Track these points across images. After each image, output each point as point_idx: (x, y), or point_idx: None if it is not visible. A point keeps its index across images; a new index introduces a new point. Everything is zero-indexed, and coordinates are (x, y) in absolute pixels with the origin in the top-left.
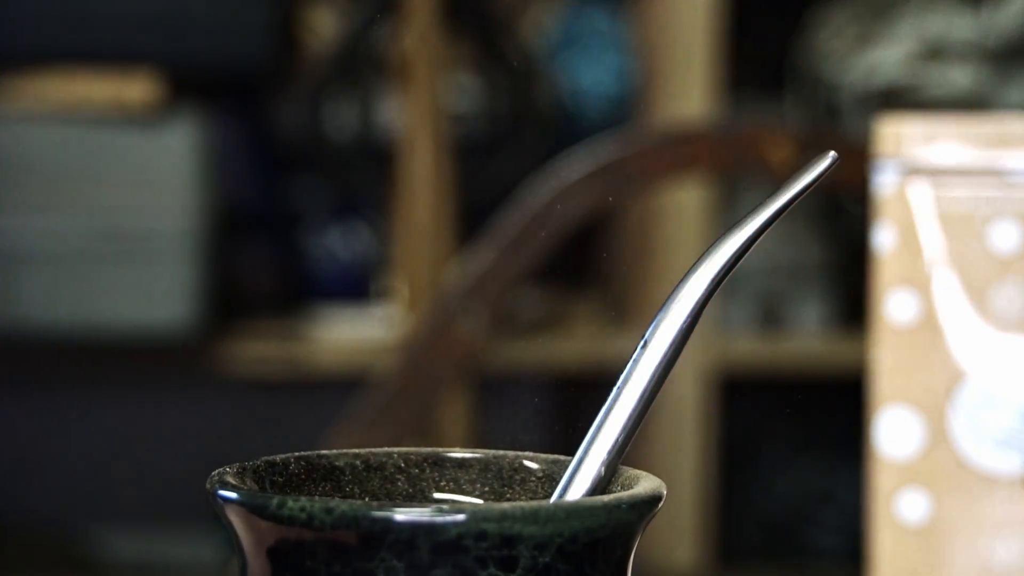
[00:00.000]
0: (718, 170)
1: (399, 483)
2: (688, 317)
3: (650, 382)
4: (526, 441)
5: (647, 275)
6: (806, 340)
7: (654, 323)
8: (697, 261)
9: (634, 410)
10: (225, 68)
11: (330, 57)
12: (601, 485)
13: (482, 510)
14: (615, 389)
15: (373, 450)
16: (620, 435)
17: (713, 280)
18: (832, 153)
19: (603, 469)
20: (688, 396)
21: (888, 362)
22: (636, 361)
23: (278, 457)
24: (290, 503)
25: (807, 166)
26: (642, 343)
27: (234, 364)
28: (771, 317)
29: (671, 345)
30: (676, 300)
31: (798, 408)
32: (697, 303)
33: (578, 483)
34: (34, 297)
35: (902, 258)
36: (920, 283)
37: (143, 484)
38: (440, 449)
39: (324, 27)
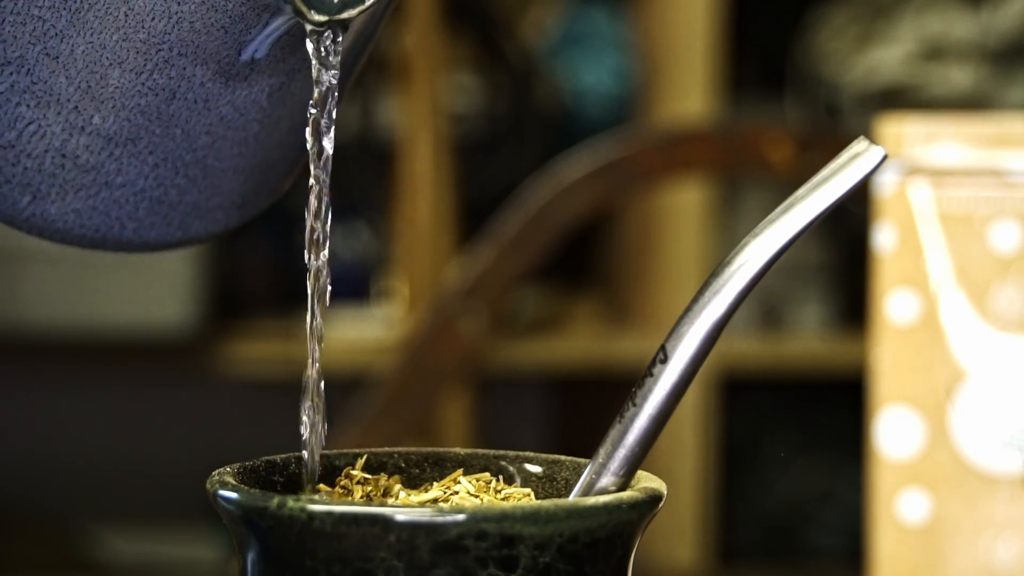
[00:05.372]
0: (718, 170)
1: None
2: (711, 329)
3: (668, 397)
4: (526, 441)
5: (647, 275)
6: (806, 340)
7: (674, 335)
8: (722, 265)
9: (649, 429)
10: None
11: None
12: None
13: (482, 510)
14: (629, 401)
15: (373, 450)
16: (637, 448)
17: (740, 293)
18: (879, 148)
19: (614, 489)
20: (688, 396)
21: (888, 362)
22: (656, 377)
23: (278, 457)
24: (290, 503)
25: (843, 163)
26: (662, 354)
27: (234, 364)
28: (771, 317)
29: (691, 360)
30: (699, 312)
31: (798, 408)
32: (721, 317)
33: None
34: (34, 297)
35: (902, 258)
36: (920, 283)
37: (143, 484)
38: (440, 449)
39: None
